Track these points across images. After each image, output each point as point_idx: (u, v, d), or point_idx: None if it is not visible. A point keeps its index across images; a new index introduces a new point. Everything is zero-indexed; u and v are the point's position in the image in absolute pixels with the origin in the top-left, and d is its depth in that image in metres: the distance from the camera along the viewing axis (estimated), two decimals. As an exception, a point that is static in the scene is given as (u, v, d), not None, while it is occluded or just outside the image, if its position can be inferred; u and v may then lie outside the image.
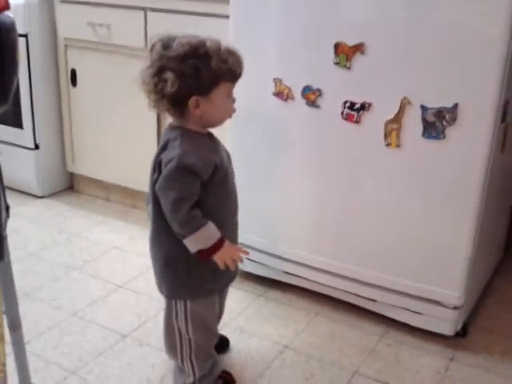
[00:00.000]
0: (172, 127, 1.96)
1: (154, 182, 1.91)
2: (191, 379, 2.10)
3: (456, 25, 2.09)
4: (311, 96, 2.41)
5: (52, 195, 3.81)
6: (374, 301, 2.56)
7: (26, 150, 3.67)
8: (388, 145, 2.30)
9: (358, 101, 2.32)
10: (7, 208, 1.62)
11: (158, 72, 1.81)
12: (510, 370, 2.36)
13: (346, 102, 2.34)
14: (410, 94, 2.21)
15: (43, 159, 3.70)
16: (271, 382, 2.26)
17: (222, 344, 2.38)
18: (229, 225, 2.02)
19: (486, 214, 2.34)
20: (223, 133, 2.12)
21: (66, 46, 3.53)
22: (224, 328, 2.50)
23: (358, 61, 2.28)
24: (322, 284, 2.65)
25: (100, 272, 2.95)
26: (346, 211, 2.50)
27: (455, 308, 2.40)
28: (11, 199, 1.69)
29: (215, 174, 1.90)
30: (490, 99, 2.10)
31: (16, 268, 2.47)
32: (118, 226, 3.45)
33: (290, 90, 2.46)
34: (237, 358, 2.38)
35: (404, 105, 2.23)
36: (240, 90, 1.94)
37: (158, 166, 1.91)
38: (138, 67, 1.89)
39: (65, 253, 3.13)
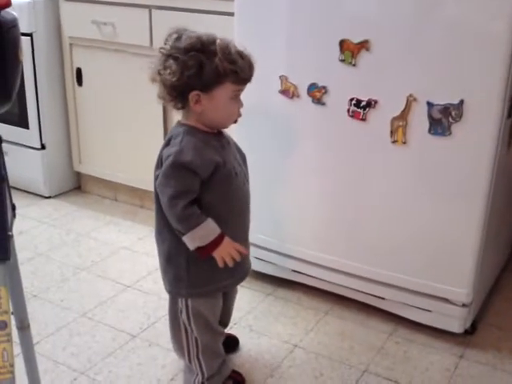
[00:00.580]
0: (179, 124, 1.97)
1: (156, 178, 1.92)
2: (200, 378, 2.10)
3: (461, 21, 2.09)
4: (317, 93, 2.41)
5: (59, 195, 3.82)
6: (383, 299, 2.55)
7: (32, 150, 3.67)
8: (394, 142, 2.30)
9: (364, 98, 2.31)
10: (13, 208, 1.62)
11: (164, 60, 1.84)
12: (519, 366, 2.36)
13: (351, 100, 2.34)
14: (416, 90, 2.20)
15: (50, 159, 3.70)
16: (281, 381, 2.25)
17: (232, 343, 2.38)
18: (232, 224, 2.00)
19: (494, 210, 2.33)
20: (230, 131, 2.11)
21: (71, 44, 3.53)
22: (233, 327, 2.50)
23: (364, 58, 2.27)
24: (331, 282, 2.65)
25: (108, 272, 2.95)
26: (354, 209, 2.49)
27: (464, 305, 2.39)
28: (18, 200, 1.69)
29: (216, 172, 1.90)
30: (495, 95, 2.10)
31: (24, 269, 2.47)
32: (126, 226, 3.45)
33: (295, 87, 2.45)
34: (246, 357, 2.38)
35: (410, 102, 2.22)
36: (246, 87, 1.94)
37: (159, 161, 1.92)
38: (144, 65, 1.90)
39: (73, 253, 3.13)
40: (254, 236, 2.47)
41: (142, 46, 3.19)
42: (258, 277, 2.85)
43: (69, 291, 2.79)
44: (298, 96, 2.46)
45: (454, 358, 2.39)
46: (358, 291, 2.60)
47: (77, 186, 3.93)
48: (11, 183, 1.63)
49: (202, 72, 1.81)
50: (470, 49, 2.09)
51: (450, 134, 2.18)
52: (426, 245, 2.37)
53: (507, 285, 2.89)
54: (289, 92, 2.47)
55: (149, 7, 3.14)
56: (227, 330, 2.34)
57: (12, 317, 1.53)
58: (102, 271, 2.96)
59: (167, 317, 2.10)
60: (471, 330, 2.50)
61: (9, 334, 1.38)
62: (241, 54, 1.86)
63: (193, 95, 1.84)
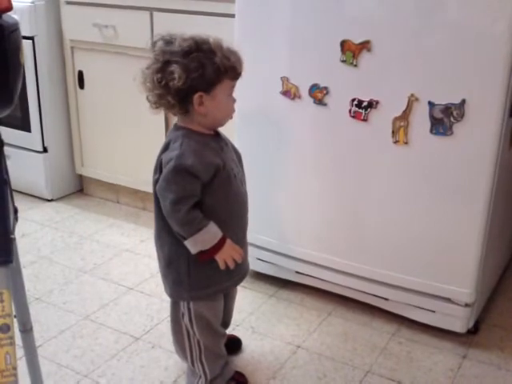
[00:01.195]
0: (176, 127, 1.96)
1: (155, 183, 1.92)
2: (203, 381, 2.10)
3: (462, 21, 2.08)
4: (318, 94, 2.41)
5: (61, 198, 3.82)
6: (386, 299, 2.55)
7: (34, 154, 3.67)
8: (396, 142, 2.30)
9: (366, 98, 2.31)
10: (15, 211, 1.62)
11: (163, 67, 1.81)
12: (523, 366, 2.35)
13: (353, 100, 2.34)
14: (418, 90, 2.20)
15: (52, 162, 3.71)
16: (284, 382, 2.25)
17: (234, 345, 2.38)
18: (232, 226, 2.00)
19: (496, 210, 2.33)
20: (231, 132, 2.11)
21: (72, 47, 3.53)
22: (236, 328, 2.51)
23: (365, 58, 2.27)
24: (334, 283, 2.65)
25: (111, 275, 2.95)
26: (356, 209, 2.49)
27: (467, 305, 2.39)
28: (20, 203, 1.69)
29: (216, 175, 1.90)
30: (497, 94, 2.09)
31: (27, 272, 2.47)
32: (129, 228, 3.45)
33: (297, 88, 2.45)
34: (249, 358, 2.38)
35: (411, 102, 2.22)
36: (247, 89, 1.95)
37: (159, 166, 1.92)
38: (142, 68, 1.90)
39: (76, 256, 3.13)
40: (256, 237, 2.48)
41: (144, 49, 3.18)
42: (260, 278, 2.85)
43: (71, 294, 2.79)
44: (299, 97, 2.46)
45: (457, 358, 2.39)
46: (361, 292, 2.60)
47: (79, 188, 3.93)
48: (13, 186, 1.64)
49: (204, 72, 1.81)
50: (471, 49, 2.09)
51: (452, 133, 2.18)
52: (428, 245, 2.37)
53: (510, 284, 2.89)
54: (290, 93, 2.47)
55: (150, 10, 3.14)
56: (230, 331, 2.35)
57: (15, 320, 1.53)
58: (105, 274, 2.96)
59: (169, 319, 2.10)
60: (474, 330, 2.50)
61: (12, 337, 1.38)
62: (231, 50, 1.87)
63: (197, 97, 1.83)
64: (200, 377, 2.10)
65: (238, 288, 2.24)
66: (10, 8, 1.46)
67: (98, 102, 3.55)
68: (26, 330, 1.82)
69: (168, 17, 3.08)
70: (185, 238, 1.89)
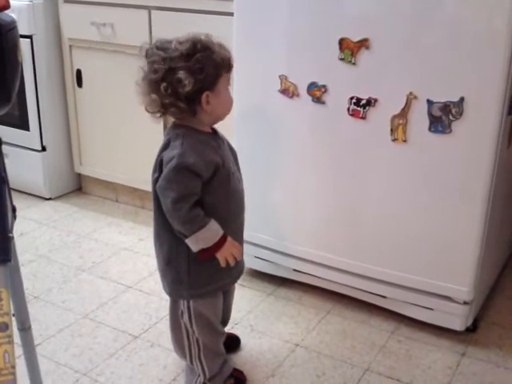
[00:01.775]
0: (175, 126, 1.95)
1: (154, 181, 1.92)
2: (201, 379, 2.10)
3: (461, 18, 2.08)
4: (317, 92, 2.41)
5: (60, 197, 3.82)
6: (385, 297, 2.55)
7: (33, 152, 3.67)
8: (394, 140, 2.30)
9: (364, 97, 2.31)
10: (14, 210, 1.62)
11: (166, 75, 1.80)
12: (521, 364, 2.36)
13: (351, 98, 2.34)
14: (416, 88, 2.20)
15: (50, 161, 3.70)
16: (282, 380, 2.25)
17: (233, 343, 2.38)
18: (231, 223, 2.01)
19: (495, 208, 2.33)
20: (229, 130, 2.11)
21: (70, 46, 3.53)
22: (235, 327, 2.51)
23: (363, 56, 2.27)
24: (332, 281, 2.65)
25: (110, 273, 2.95)
26: (354, 208, 2.49)
27: (465, 303, 2.39)
28: (19, 202, 1.69)
29: (216, 173, 1.90)
30: (496, 92, 2.09)
31: (26, 270, 2.47)
32: (127, 227, 3.45)
33: (295, 86, 2.45)
34: (248, 356, 2.38)
35: (410, 100, 2.22)
36: (245, 87, 1.95)
37: (158, 165, 1.91)
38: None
39: (74, 254, 3.13)
40: (254, 235, 2.48)
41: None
42: (258, 276, 2.86)
43: (70, 292, 2.79)
44: (297, 95, 2.46)
45: (456, 355, 2.39)
46: (360, 290, 2.60)
47: (77, 187, 3.93)
48: (12, 185, 1.64)
49: (208, 71, 1.81)
50: (469, 46, 2.09)
51: (451, 131, 2.18)
52: (426, 243, 2.37)
53: (509, 282, 2.89)
54: (288, 91, 2.47)
55: (148, 8, 3.13)
56: (228, 330, 2.35)
57: (13, 318, 1.53)
58: (104, 272, 2.96)
59: (168, 317, 2.10)
60: (473, 328, 2.50)
61: (10, 336, 1.38)
62: (220, 43, 1.87)
63: (204, 97, 1.84)
64: (199, 375, 2.11)
65: (236, 286, 2.25)
66: (7, 6, 1.46)
67: (96, 101, 3.55)
68: (25, 328, 1.82)
69: (166, 15, 3.08)
70: (186, 237, 1.89)
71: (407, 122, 2.25)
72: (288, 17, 2.42)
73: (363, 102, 2.32)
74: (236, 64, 1.97)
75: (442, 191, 2.28)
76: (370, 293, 2.58)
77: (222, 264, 1.94)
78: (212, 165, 1.89)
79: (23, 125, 3.63)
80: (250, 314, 2.63)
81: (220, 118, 1.95)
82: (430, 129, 2.22)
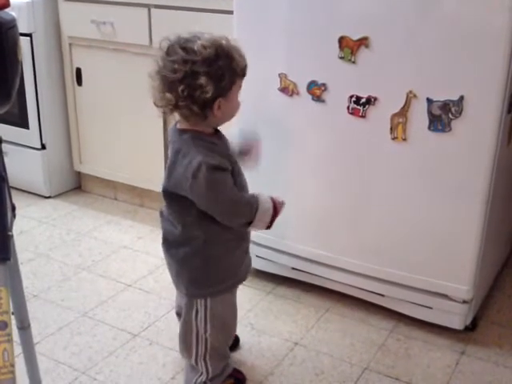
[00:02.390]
0: (180, 131, 1.93)
1: (166, 192, 1.94)
2: (203, 378, 2.10)
3: (461, 17, 2.08)
4: (316, 91, 2.41)
5: (59, 195, 3.81)
6: (384, 296, 2.55)
7: (32, 151, 3.67)
8: (394, 138, 2.30)
9: (364, 95, 2.31)
10: (13, 208, 1.62)
11: (186, 78, 1.77)
12: (520, 363, 2.36)
13: (351, 97, 2.34)
14: (416, 87, 2.20)
15: (50, 159, 3.70)
16: (282, 378, 2.25)
17: (233, 341, 2.38)
18: None
19: (494, 206, 2.33)
20: (229, 129, 2.11)
21: (70, 44, 3.53)
22: (234, 325, 2.51)
23: (363, 55, 2.27)
24: (331, 280, 2.65)
25: (109, 272, 2.95)
26: (354, 206, 2.49)
27: (464, 302, 2.39)
28: (18, 200, 1.69)
29: (233, 168, 1.93)
30: (495, 91, 2.09)
31: (25, 269, 2.47)
32: (127, 225, 3.45)
33: (295, 85, 2.45)
34: (247, 355, 2.38)
35: (410, 98, 2.22)
36: (245, 85, 1.94)
37: (170, 173, 1.91)
38: (144, 64, 1.88)
39: (73, 253, 3.13)
40: (253, 234, 2.46)
41: (142, 45, 3.19)
42: (258, 275, 2.85)
43: (69, 291, 2.79)
44: (297, 94, 2.46)
45: (455, 354, 2.39)
46: (359, 288, 2.60)
47: (77, 185, 3.93)
48: (11, 183, 1.64)
49: (225, 79, 1.80)
50: (469, 45, 2.09)
51: (450, 130, 2.18)
52: (426, 241, 2.37)
53: (508, 281, 2.89)
54: (288, 90, 2.47)
55: (148, 6, 3.13)
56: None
57: (12, 317, 1.53)
58: (103, 270, 2.96)
59: (168, 316, 2.11)
60: (472, 327, 2.50)
61: (9, 334, 1.38)
62: (236, 48, 1.85)
63: (217, 103, 1.83)
64: (201, 373, 2.11)
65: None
66: (7, 5, 1.46)
67: (96, 99, 3.55)
68: (24, 327, 1.82)
69: (166, 13, 3.08)
70: (250, 223, 1.95)
71: (407, 120, 2.25)
72: (288, 15, 2.42)
73: (363, 100, 2.32)
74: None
75: (442, 190, 2.28)
76: (370, 291, 2.58)
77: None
78: (229, 161, 1.92)
79: (23, 123, 3.62)
80: (250, 312, 2.64)
81: (227, 120, 1.95)
82: (429, 127, 2.22)
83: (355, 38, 2.26)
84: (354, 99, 2.34)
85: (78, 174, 3.90)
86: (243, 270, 2.10)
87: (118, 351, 2.39)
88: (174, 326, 2.29)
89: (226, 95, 1.83)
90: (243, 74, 1.87)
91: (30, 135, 3.64)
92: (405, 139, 2.28)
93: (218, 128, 2.00)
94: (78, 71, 3.55)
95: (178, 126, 1.95)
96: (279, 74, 2.48)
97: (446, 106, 2.16)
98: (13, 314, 1.67)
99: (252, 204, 1.93)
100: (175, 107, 1.84)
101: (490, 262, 2.56)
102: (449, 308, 2.42)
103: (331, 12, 2.31)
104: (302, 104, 2.45)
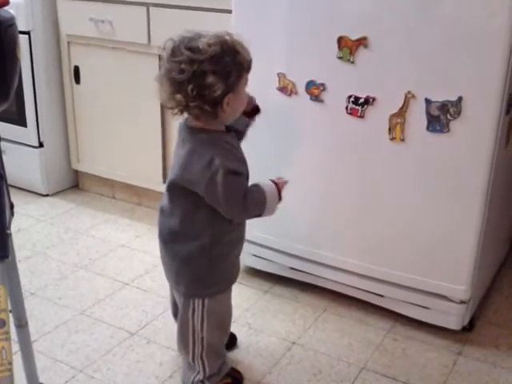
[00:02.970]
0: (193, 130, 1.92)
1: (169, 182, 1.94)
2: (200, 376, 2.11)
3: (460, 17, 2.08)
4: (315, 91, 2.41)
5: (57, 193, 3.81)
6: (381, 296, 2.55)
7: (30, 148, 3.66)
8: (392, 139, 2.30)
9: (362, 95, 2.31)
10: (11, 206, 1.61)
11: (195, 77, 1.77)
12: (517, 363, 2.36)
13: (350, 97, 2.34)
14: (414, 87, 2.20)
15: (48, 157, 3.70)
16: (279, 378, 2.25)
17: (230, 340, 2.37)
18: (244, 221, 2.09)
19: (492, 207, 2.33)
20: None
21: (68, 42, 3.52)
22: (232, 324, 2.49)
23: (362, 55, 2.27)
24: (329, 280, 2.65)
25: (106, 270, 2.95)
26: (352, 206, 2.49)
27: (462, 302, 2.39)
28: (16, 198, 1.69)
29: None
30: (494, 92, 2.09)
31: (22, 267, 2.46)
32: (124, 223, 3.45)
33: (293, 84, 2.45)
34: (245, 354, 2.38)
35: (408, 99, 2.22)
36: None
37: (182, 169, 1.90)
38: (142, 63, 1.88)
39: (71, 251, 3.13)
40: (251, 233, 2.47)
41: (140, 44, 3.19)
42: (255, 274, 2.86)
43: (67, 289, 2.79)
44: (296, 93, 2.46)
45: (452, 355, 2.39)
46: (356, 288, 2.60)
47: (75, 184, 3.93)
48: (9, 181, 1.63)
49: (232, 75, 1.80)
50: (468, 45, 2.09)
51: (449, 130, 2.18)
52: (424, 242, 2.37)
53: (506, 282, 2.90)
54: (287, 89, 2.47)
55: (146, 5, 3.13)
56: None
57: (10, 315, 1.53)
58: (100, 269, 2.96)
59: (165, 314, 2.11)
60: (469, 328, 2.50)
61: (7, 333, 1.38)
62: (240, 43, 1.85)
63: (226, 99, 1.82)
64: (198, 372, 2.11)
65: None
66: (6, 3, 1.46)
67: (94, 98, 3.55)
68: (22, 324, 1.82)
69: (164, 12, 3.07)
70: (261, 214, 1.99)
71: (405, 121, 2.25)
72: (287, 14, 2.42)
73: (361, 100, 2.32)
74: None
75: (440, 190, 2.28)
76: (367, 291, 2.58)
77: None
78: (246, 163, 1.97)
79: (20, 121, 3.62)
80: (247, 311, 2.64)
81: (235, 116, 1.95)
82: (427, 128, 2.22)
83: (354, 37, 2.26)
84: (352, 99, 2.34)
85: (76, 173, 3.89)
86: (237, 270, 2.13)
87: (116, 349, 2.39)
88: (171, 324, 2.29)
89: (234, 90, 1.83)
90: (249, 68, 1.87)
91: (27, 133, 3.63)
92: (403, 140, 2.28)
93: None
94: (76, 69, 3.55)
95: (190, 123, 1.93)
96: (278, 74, 2.48)
97: (444, 106, 2.16)
98: (10, 311, 1.67)
99: (262, 203, 1.96)
100: (185, 108, 1.84)
101: (488, 262, 2.57)
102: (446, 308, 2.42)
103: (330, 12, 2.31)
104: (301, 104, 2.46)
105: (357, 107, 2.33)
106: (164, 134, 3.28)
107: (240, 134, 2.05)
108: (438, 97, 2.17)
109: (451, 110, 2.15)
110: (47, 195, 3.77)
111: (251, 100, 2.07)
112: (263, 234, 2.72)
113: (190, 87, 1.77)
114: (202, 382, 2.11)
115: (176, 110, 1.86)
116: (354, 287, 2.60)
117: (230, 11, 2.58)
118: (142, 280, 2.86)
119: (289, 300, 2.73)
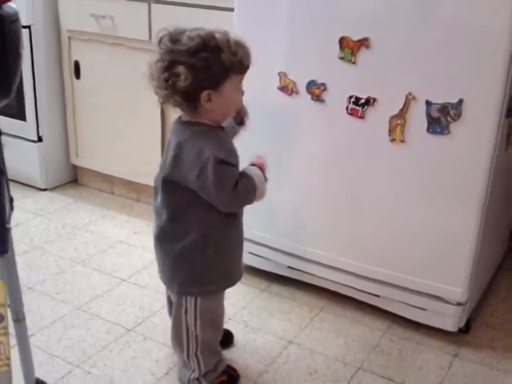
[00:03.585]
0: (185, 123, 1.94)
1: (163, 177, 1.95)
2: (196, 374, 2.11)
3: (461, 19, 2.08)
4: (316, 91, 2.41)
5: (56, 188, 3.81)
6: (378, 296, 2.56)
7: (29, 143, 3.66)
8: (392, 140, 2.30)
9: (363, 96, 2.31)
10: (11, 200, 1.61)
11: (169, 66, 1.80)
12: (513, 366, 2.36)
13: (350, 97, 2.34)
14: (415, 89, 2.20)
15: (47, 152, 3.70)
16: (275, 376, 2.26)
17: (227, 338, 2.38)
18: (240, 217, 2.08)
19: (490, 210, 2.33)
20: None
21: (69, 37, 3.52)
22: (228, 322, 2.51)
23: (363, 56, 2.27)
24: (326, 279, 2.65)
25: (104, 266, 2.95)
26: (351, 206, 2.49)
27: (459, 304, 2.39)
28: (15, 192, 1.69)
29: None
30: (494, 94, 2.10)
31: (20, 261, 2.46)
32: (123, 219, 3.45)
33: (294, 84, 2.45)
34: (241, 352, 2.39)
35: (409, 100, 2.22)
36: (244, 83, 1.94)
37: (174, 161, 1.91)
38: (143, 60, 1.88)
39: (69, 246, 3.13)
40: (249, 232, 2.47)
41: (141, 40, 3.19)
42: (252, 272, 2.85)
43: (64, 284, 2.79)
44: (296, 93, 2.46)
45: (448, 356, 2.40)
46: (354, 288, 2.61)
47: (73, 178, 3.92)
48: (7, 175, 1.63)
49: (211, 70, 1.80)
50: (469, 47, 2.09)
51: (449, 133, 2.19)
52: (422, 243, 2.37)
53: (503, 284, 2.90)
54: (287, 89, 2.47)
55: (148, 1, 3.13)
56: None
57: (8, 309, 1.53)
58: (98, 265, 2.96)
59: (162, 311, 2.11)
60: (466, 329, 2.50)
61: (6, 327, 1.38)
62: (238, 44, 1.85)
63: (204, 95, 1.83)
64: (193, 370, 2.11)
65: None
66: (9, -1, 1.46)
67: (94, 93, 3.55)
68: (19, 319, 1.82)
69: (166, 9, 3.07)
70: (252, 201, 2.00)
71: (405, 122, 2.25)
72: (289, 14, 2.41)
73: (362, 101, 2.32)
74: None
75: (439, 192, 2.28)
76: (364, 292, 2.59)
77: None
78: (237, 154, 1.96)
79: (20, 115, 3.62)
80: (244, 309, 2.64)
81: (224, 116, 1.95)
82: (428, 130, 2.22)
83: (356, 38, 2.26)
84: (353, 100, 2.34)
85: (75, 168, 3.89)
86: (239, 271, 2.12)
87: (112, 345, 2.39)
88: (168, 321, 2.28)
89: (216, 88, 1.83)
90: (240, 70, 1.87)
91: (26, 127, 3.63)
92: (403, 141, 2.28)
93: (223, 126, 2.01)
94: (77, 64, 3.54)
95: (183, 118, 1.96)
96: (279, 73, 2.48)
97: (444, 108, 2.16)
98: (8, 306, 1.67)
99: (253, 190, 1.97)
100: (162, 96, 1.87)
101: (485, 264, 2.57)
102: (443, 310, 2.42)
103: (332, 12, 2.31)
104: (301, 103, 2.46)
105: (357, 108, 2.33)
106: (163, 130, 3.28)
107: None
108: (439, 99, 2.17)
109: (451, 112, 2.15)
110: (46, 189, 3.77)
111: (241, 111, 2.07)
112: (261, 232, 2.72)
113: (164, 75, 1.81)
114: (197, 379, 2.11)
115: (159, 99, 1.89)
116: (352, 287, 2.61)
117: (232, 9, 2.58)
118: (139, 276, 2.86)
119: (286, 299, 2.73)
